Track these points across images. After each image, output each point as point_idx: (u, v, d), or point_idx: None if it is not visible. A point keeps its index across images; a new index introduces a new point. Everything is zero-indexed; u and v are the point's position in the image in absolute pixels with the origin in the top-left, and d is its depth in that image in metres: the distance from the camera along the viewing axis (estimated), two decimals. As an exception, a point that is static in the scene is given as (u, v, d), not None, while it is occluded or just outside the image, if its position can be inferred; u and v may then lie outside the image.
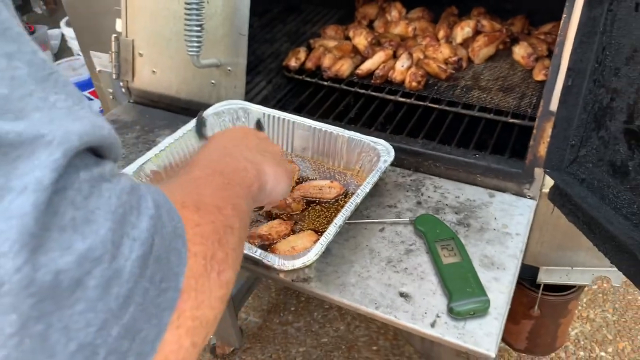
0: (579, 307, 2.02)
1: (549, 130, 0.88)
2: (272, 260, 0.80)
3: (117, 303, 0.31)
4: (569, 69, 0.81)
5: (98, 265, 0.30)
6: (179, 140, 1.04)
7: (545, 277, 1.09)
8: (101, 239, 0.30)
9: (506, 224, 0.94)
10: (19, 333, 0.27)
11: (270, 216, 0.98)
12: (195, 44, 1.09)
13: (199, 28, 1.08)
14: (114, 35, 1.26)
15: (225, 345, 1.93)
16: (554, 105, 0.88)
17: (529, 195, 0.98)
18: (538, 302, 1.39)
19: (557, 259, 1.07)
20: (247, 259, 0.83)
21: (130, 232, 0.32)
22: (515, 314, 1.47)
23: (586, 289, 2.07)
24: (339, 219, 0.85)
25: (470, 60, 1.28)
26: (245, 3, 1.13)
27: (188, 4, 1.06)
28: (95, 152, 0.34)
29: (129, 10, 1.24)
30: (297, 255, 0.82)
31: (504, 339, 1.58)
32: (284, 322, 2.06)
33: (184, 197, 0.44)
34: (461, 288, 0.81)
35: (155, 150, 0.98)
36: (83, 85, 2.47)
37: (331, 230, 0.84)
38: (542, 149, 0.91)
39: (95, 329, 0.29)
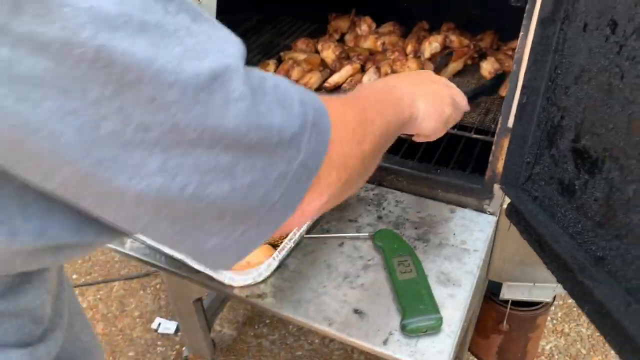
0: (554, 321, 2.02)
1: (506, 147, 0.88)
2: (223, 275, 0.79)
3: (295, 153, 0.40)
4: (523, 86, 0.82)
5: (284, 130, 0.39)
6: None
7: (507, 292, 1.09)
8: (295, 115, 0.40)
9: (465, 240, 0.93)
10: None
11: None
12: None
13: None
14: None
15: (197, 356, 1.90)
16: (511, 122, 0.88)
17: (489, 211, 0.98)
18: (507, 317, 1.39)
19: (519, 275, 1.07)
20: (202, 274, 0.82)
21: (291, 114, 0.40)
22: (485, 329, 1.47)
23: (561, 302, 2.07)
24: (295, 235, 0.85)
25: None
26: (211, 12, 1.12)
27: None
28: None
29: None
30: (249, 271, 0.81)
31: (474, 353, 1.58)
32: (259, 334, 2.04)
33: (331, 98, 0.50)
34: (414, 305, 0.81)
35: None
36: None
37: (285, 246, 0.83)
38: (501, 165, 0.91)
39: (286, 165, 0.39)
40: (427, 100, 0.70)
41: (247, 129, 0.36)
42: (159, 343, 2.02)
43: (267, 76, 0.40)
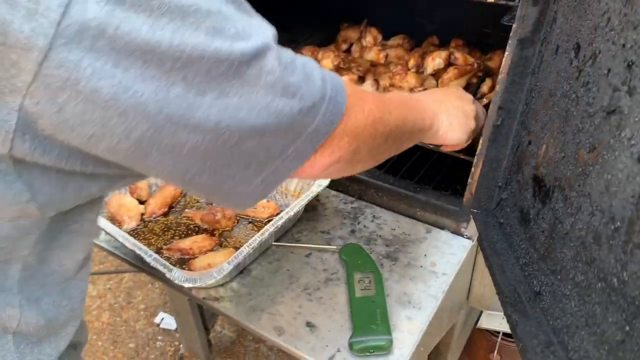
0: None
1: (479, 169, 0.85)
2: (176, 275, 0.79)
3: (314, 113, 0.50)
4: (499, 107, 0.79)
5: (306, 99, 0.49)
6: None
7: (486, 321, 1.05)
8: (316, 88, 0.49)
9: (435, 262, 0.90)
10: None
11: (198, 230, 0.98)
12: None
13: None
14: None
15: (193, 356, 1.92)
16: (487, 142, 0.85)
17: (466, 235, 0.94)
18: (497, 348, 1.34)
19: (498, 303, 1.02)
20: (158, 271, 0.83)
21: (313, 88, 0.49)
22: (476, 358, 1.42)
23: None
24: (254, 240, 0.84)
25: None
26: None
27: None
28: None
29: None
30: (203, 273, 0.81)
31: (465, 382, 1.52)
32: (258, 339, 2.04)
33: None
34: (366, 324, 0.78)
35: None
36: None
37: (243, 251, 0.82)
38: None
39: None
40: (451, 114, 0.78)
41: (274, 97, 0.46)
42: (159, 338, 2.05)
43: (296, 56, 0.50)
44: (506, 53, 0.84)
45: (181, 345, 1.96)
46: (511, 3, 0.99)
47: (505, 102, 0.79)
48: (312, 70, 0.50)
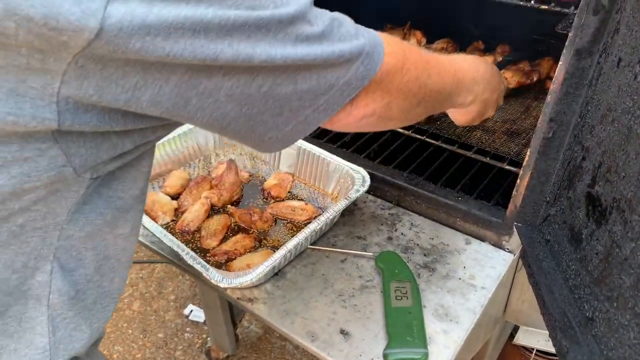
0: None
1: (526, 182, 0.82)
2: (212, 275, 0.79)
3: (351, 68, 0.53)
4: (550, 119, 0.76)
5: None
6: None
7: (523, 337, 1.02)
8: (351, 45, 0.52)
9: (474, 275, 0.88)
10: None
11: (234, 229, 0.98)
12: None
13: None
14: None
15: (219, 350, 1.93)
16: (536, 154, 0.82)
17: (507, 248, 0.91)
18: (531, 363, 1.30)
19: (538, 320, 0.99)
20: (194, 269, 0.83)
21: (355, 42, 0.52)
22: (507, 372, 1.38)
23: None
24: (291, 244, 0.83)
25: (485, 98, 1.22)
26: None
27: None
28: None
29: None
30: (239, 273, 0.81)
31: (494, 396, 1.49)
32: (284, 337, 2.04)
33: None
34: (401, 335, 0.77)
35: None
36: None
37: (279, 254, 0.82)
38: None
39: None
40: (480, 103, 0.81)
41: (309, 49, 0.48)
42: (187, 329, 2.07)
43: (335, 15, 0.53)
44: (560, 63, 0.80)
45: (208, 339, 1.98)
46: (566, 10, 0.96)
47: (558, 114, 0.76)
48: (349, 28, 0.53)
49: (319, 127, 0.57)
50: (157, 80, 0.43)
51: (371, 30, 0.57)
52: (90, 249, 0.55)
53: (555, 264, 0.67)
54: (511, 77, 1.21)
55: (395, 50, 0.58)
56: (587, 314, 0.55)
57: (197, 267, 0.80)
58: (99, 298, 0.59)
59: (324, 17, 0.51)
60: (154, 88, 0.44)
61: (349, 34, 0.52)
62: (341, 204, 0.90)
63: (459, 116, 0.87)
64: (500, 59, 1.21)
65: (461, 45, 1.38)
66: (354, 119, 0.58)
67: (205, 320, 2.06)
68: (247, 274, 0.79)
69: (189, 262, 0.81)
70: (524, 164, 0.85)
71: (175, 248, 0.84)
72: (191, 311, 2.11)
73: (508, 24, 1.33)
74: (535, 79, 1.23)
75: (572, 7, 0.93)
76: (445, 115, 1.17)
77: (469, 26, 1.44)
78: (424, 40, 1.35)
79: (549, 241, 0.72)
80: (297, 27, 0.48)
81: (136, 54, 0.40)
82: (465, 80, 0.74)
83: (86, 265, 0.56)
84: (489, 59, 1.22)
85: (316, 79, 0.51)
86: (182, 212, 1.00)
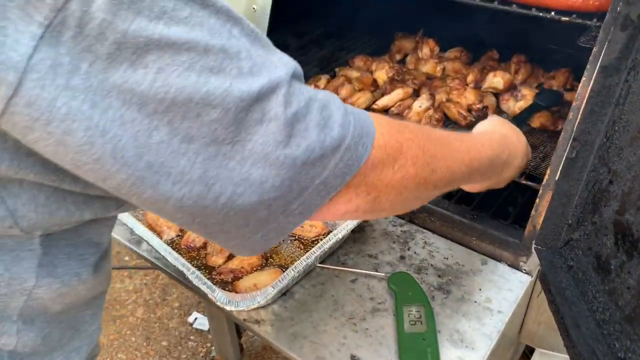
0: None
1: (548, 202, 0.79)
2: (218, 297, 0.76)
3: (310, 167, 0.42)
4: (574, 139, 0.72)
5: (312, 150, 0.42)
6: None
7: (539, 360, 0.98)
8: (331, 137, 0.43)
9: (490, 298, 0.84)
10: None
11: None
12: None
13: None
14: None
15: (224, 359, 1.90)
16: (558, 176, 0.78)
17: (524, 270, 0.88)
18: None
19: (554, 343, 0.96)
20: (201, 291, 0.80)
21: (328, 135, 0.43)
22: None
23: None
24: (300, 265, 0.80)
25: (500, 110, 1.19)
26: (264, 23, 1.10)
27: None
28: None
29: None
30: (246, 296, 0.78)
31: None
32: (289, 347, 2.00)
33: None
34: (415, 363, 0.73)
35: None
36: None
37: (288, 274, 0.79)
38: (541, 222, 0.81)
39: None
40: (495, 182, 0.77)
41: (275, 148, 0.40)
42: (191, 337, 2.04)
43: (317, 96, 0.44)
44: (584, 79, 0.77)
45: (213, 347, 1.95)
46: (588, 22, 0.92)
47: (581, 133, 0.72)
48: (332, 114, 0.44)
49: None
50: (92, 177, 0.38)
51: (362, 113, 0.48)
52: (59, 303, 0.50)
53: (580, 293, 0.63)
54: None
55: (389, 142, 0.48)
56: (619, 354, 0.52)
57: (203, 287, 0.77)
58: (71, 341, 0.55)
59: (300, 98, 0.42)
60: (88, 179, 0.38)
61: (329, 121, 0.43)
62: (352, 222, 0.87)
63: (468, 187, 0.79)
64: (523, 91, 1.17)
65: (475, 54, 1.34)
66: (333, 215, 0.49)
67: (209, 329, 2.03)
68: (253, 298, 0.76)
69: (194, 282, 0.78)
70: (543, 183, 0.82)
71: (180, 267, 0.81)
72: (195, 319, 2.08)
73: (523, 33, 1.29)
74: (560, 127, 1.14)
75: (595, 19, 0.89)
76: (460, 128, 1.14)
77: (483, 34, 1.41)
78: (437, 49, 1.31)
79: (571, 267, 0.68)
80: (261, 115, 0.39)
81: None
82: (481, 169, 0.65)
83: (53, 317, 0.51)
84: (507, 75, 1.17)
85: (287, 185, 0.42)
86: (188, 227, 0.97)
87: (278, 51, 0.44)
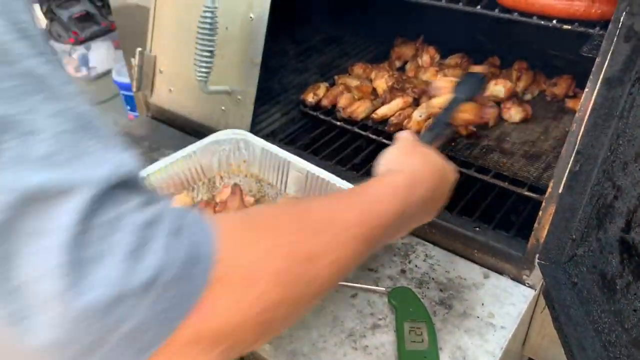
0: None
1: (551, 215, 0.77)
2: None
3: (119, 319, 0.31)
4: (577, 152, 0.71)
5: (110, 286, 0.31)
6: (171, 165, 1.02)
7: (543, 374, 0.96)
8: (114, 272, 0.31)
9: (493, 313, 0.83)
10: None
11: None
12: (204, 70, 1.07)
13: (208, 54, 1.05)
14: (139, 49, 1.26)
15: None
16: (561, 188, 0.77)
17: (527, 283, 0.86)
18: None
19: (558, 356, 0.94)
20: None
21: (137, 266, 0.32)
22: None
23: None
24: (298, 280, 0.78)
25: (502, 119, 1.17)
26: (261, 32, 1.09)
27: (201, 29, 1.04)
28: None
29: (156, 27, 1.24)
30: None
31: None
32: (291, 355, 1.99)
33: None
34: (417, 382, 0.72)
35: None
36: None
37: (286, 292, 0.77)
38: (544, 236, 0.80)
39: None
40: (431, 208, 0.69)
41: (50, 277, 0.30)
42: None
43: (126, 214, 0.33)
44: (586, 90, 0.75)
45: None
46: (590, 30, 0.90)
47: (585, 147, 0.71)
48: (155, 235, 0.34)
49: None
50: None
51: (202, 232, 0.37)
52: None
53: (585, 312, 0.61)
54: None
55: (236, 266, 0.37)
56: (627, 380, 0.51)
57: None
58: None
59: (108, 212, 0.33)
60: None
61: (146, 245, 0.33)
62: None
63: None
64: (525, 106, 1.15)
65: (476, 60, 1.33)
66: None
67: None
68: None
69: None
70: (546, 195, 0.80)
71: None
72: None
73: (525, 40, 1.28)
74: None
75: (597, 28, 0.87)
76: (461, 137, 1.13)
77: (483, 40, 1.39)
78: (437, 56, 1.29)
79: (575, 284, 0.67)
80: (39, 222, 0.30)
81: None
82: (388, 232, 0.56)
83: None
84: (509, 84, 1.15)
85: (65, 340, 0.30)
86: (185, 241, 0.96)
87: (119, 146, 0.36)
